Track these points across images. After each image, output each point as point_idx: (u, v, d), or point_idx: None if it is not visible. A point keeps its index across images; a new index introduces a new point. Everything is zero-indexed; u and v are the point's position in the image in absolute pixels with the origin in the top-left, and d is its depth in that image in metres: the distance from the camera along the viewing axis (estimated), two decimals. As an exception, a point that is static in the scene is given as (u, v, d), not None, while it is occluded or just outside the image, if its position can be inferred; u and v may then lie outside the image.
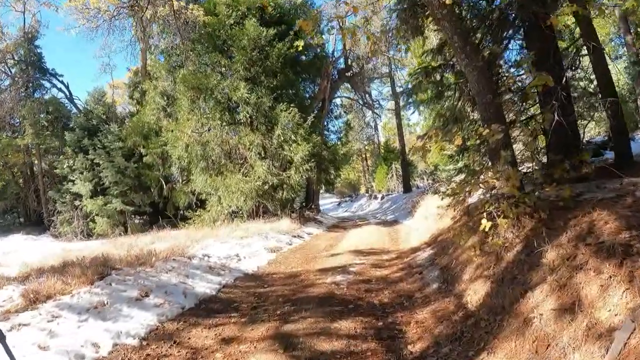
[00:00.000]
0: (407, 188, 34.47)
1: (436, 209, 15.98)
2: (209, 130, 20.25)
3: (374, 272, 10.04)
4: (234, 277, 10.21)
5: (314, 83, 26.59)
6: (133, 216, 27.59)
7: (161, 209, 27.29)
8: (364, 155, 53.58)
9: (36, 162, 35.18)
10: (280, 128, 19.29)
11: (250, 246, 13.54)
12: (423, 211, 19.09)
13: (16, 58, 33.25)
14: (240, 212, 20.55)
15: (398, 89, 35.72)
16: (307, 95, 25.60)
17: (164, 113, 25.00)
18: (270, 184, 19.35)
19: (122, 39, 37.74)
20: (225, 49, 20.88)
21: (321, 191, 64.45)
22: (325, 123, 29.92)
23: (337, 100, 33.41)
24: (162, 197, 26.80)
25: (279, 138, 19.31)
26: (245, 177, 19.51)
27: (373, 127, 49.80)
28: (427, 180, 39.98)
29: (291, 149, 19.20)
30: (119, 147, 26.38)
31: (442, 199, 10.42)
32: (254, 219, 20.30)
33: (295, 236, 16.74)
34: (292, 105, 19.56)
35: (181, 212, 25.41)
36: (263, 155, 19.82)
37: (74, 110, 34.74)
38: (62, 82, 35.26)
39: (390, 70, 34.70)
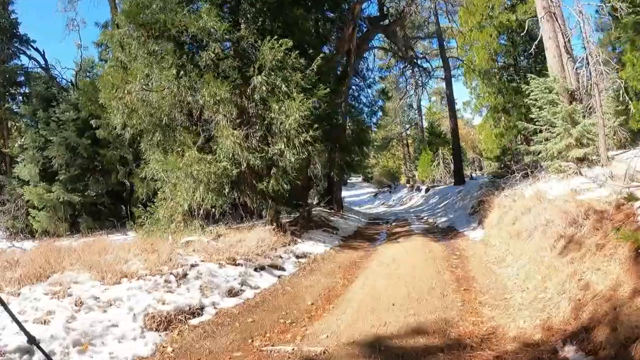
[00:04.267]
0: (460, 179, 25.41)
1: (546, 223, 8.13)
2: (168, 88, 11.81)
3: None
4: None
5: (334, 25, 17.81)
6: (94, 208, 19.51)
7: (125, 200, 19.28)
8: (405, 141, 44.71)
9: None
10: (264, 73, 10.75)
11: (110, 310, 5.47)
12: (503, 219, 10.85)
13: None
14: (211, 210, 12.33)
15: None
16: (317, 34, 16.62)
17: (124, 71, 16.86)
18: (246, 165, 10.84)
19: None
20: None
21: (358, 180, 56.67)
22: (355, 93, 21.29)
23: (369, 64, 24.44)
24: (123, 185, 18.70)
25: (261, 88, 10.74)
26: (204, 153, 11.07)
27: (416, 107, 40.95)
28: (489, 167, 31.05)
29: (282, 107, 10.62)
30: (72, 118, 18.42)
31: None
32: (223, 221, 12.36)
33: (261, 268, 8.28)
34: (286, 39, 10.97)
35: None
36: (236, 119, 11.30)
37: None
38: (36, 49, 28.65)
39: (437, 26, 25.83)
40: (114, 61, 16.66)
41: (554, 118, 12.16)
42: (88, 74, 23.45)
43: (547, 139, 12.77)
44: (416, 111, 41.28)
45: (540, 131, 13.38)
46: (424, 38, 27.27)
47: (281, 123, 10.68)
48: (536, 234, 8.20)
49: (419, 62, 26.99)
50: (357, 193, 45.03)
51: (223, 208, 12.20)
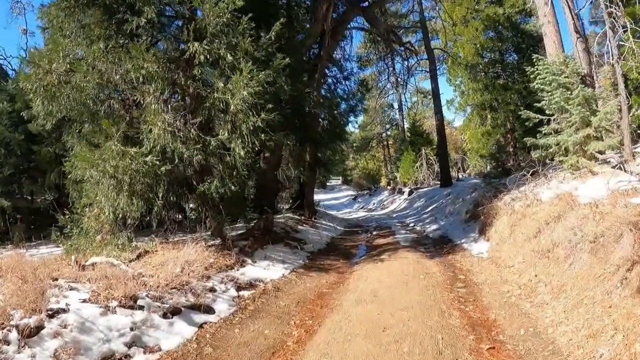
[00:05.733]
0: (447, 180, 22.50)
1: (595, 239, 5.76)
2: (96, 67, 8.88)
3: None
4: None
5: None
6: (32, 214, 16.41)
7: (64, 205, 16.27)
8: (385, 142, 41.92)
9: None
10: (207, 41, 7.92)
11: None
12: (518, 229, 8.26)
13: None
14: (146, 219, 9.38)
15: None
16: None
17: (55, 51, 13.95)
18: (179, 159, 8.01)
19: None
20: None
21: (338, 182, 53.82)
22: (332, 86, 18.41)
23: (347, 53, 21.49)
24: (61, 188, 15.65)
25: (199, 58, 7.83)
26: (128, 145, 8.16)
27: (397, 107, 38.21)
28: (475, 168, 28.78)
29: (227, 84, 7.78)
30: (7, 110, 15.36)
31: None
32: (163, 233, 9.60)
33: (174, 312, 5.13)
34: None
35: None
36: (171, 101, 8.42)
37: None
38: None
39: (421, 15, 23.23)
40: (52, 43, 13.82)
41: (568, 105, 9.57)
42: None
43: (556, 131, 10.22)
44: (397, 111, 38.60)
45: (548, 122, 10.85)
46: (408, 28, 24.53)
47: (225, 104, 7.83)
48: (582, 255, 5.47)
49: (402, 48, 24.16)
50: (336, 196, 42.20)
51: (162, 216, 9.34)
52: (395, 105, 38.80)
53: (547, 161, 10.85)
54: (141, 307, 4.95)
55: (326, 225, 14.91)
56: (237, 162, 8.13)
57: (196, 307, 5.40)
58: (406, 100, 33.95)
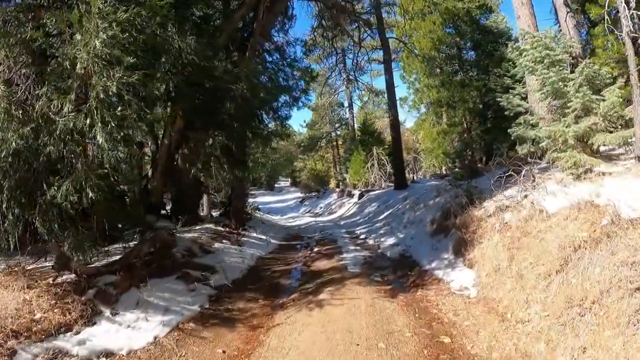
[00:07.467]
0: (402, 182, 20.09)
1: None
2: None
3: None
4: None
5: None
6: None
7: None
8: (334, 142, 39.48)
9: None
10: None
11: None
12: (519, 254, 5.15)
13: None
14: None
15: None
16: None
17: None
18: (12, 151, 4.89)
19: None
20: None
21: (286, 184, 51.15)
22: (272, 75, 15.42)
23: (291, 37, 18.70)
24: None
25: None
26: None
27: (347, 105, 35.85)
28: (430, 169, 26.97)
29: (80, 36, 4.79)
30: None
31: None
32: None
33: None
34: None
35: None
36: (14, 66, 5.39)
37: None
38: None
39: (376, 1, 20.91)
40: None
41: (565, 87, 7.19)
42: None
43: (534, 125, 8.05)
44: (347, 109, 36.54)
45: (530, 112, 8.59)
46: (361, 13, 21.94)
47: (73, 61, 4.83)
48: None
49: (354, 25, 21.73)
50: (283, 198, 39.38)
51: (17, 235, 6.18)
52: (346, 104, 36.91)
53: (529, 159, 8.46)
54: None
55: (256, 239, 11.51)
56: (102, 155, 5.17)
57: None
58: (359, 91, 31.66)
